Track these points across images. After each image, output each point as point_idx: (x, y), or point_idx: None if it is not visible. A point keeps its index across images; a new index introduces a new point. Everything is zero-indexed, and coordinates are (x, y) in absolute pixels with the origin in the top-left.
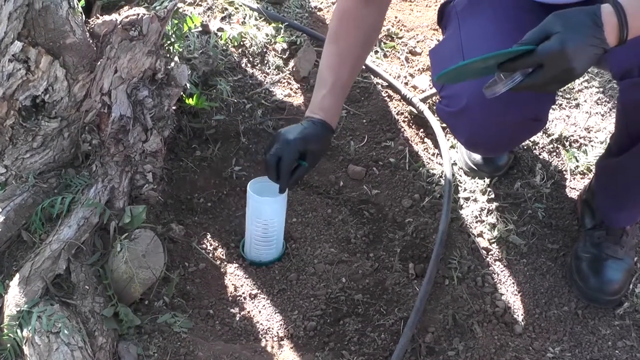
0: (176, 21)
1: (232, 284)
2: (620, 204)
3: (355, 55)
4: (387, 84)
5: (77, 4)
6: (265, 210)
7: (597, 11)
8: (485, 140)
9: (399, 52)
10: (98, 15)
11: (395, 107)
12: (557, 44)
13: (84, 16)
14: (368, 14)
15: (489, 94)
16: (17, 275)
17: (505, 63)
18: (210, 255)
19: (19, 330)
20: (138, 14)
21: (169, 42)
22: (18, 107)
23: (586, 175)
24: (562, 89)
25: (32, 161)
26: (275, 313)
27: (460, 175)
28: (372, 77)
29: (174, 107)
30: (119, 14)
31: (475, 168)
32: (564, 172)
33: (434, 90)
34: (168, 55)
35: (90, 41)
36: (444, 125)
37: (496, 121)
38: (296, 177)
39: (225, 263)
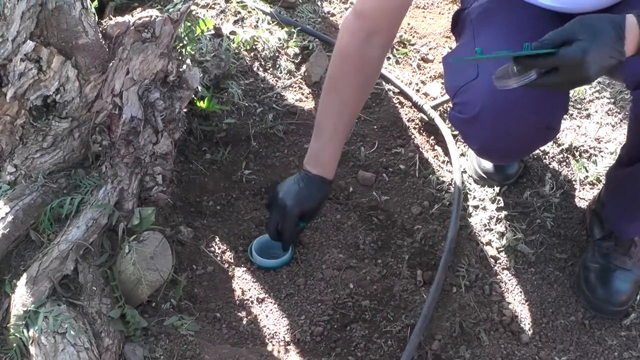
0: (189, 24)
1: (240, 288)
2: (631, 215)
3: (355, 100)
4: (398, 90)
5: (90, 5)
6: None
7: (621, 23)
8: (498, 147)
9: (411, 59)
10: (111, 16)
11: (406, 114)
12: (579, 53)
13: (96, 17)
14: (370, 50)
15: (500, 85)
16: (25, 275)
17: (522, 58)
18: (219, 258)
19: (25, 330)
20: (151, 16)
21: (181, 44)
22: (29, 107)
23: (596, 186)
24: (572, 99)
25: (42, 161)
26: (282, 317)
27: (470, 183)
28: (384, 83)
29: (184, 110)
30: (132, 16)
31: (485, 176)
32: (574, 182)
33: (445, 97)
34: (180, 57)
35: (103, 42)
36: (455, 132)
37: (509, 129)
38: (296, 236)
39: (233, 266)
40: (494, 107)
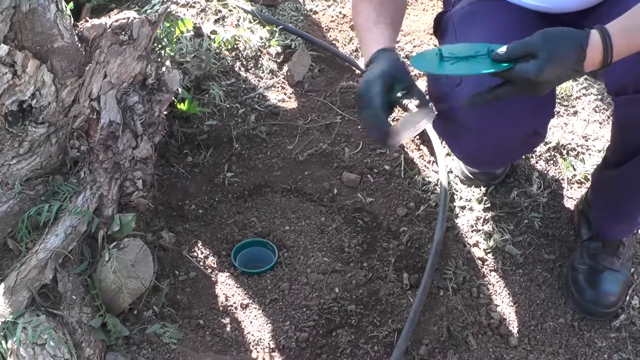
0: (168, 24)
1: (223, 294)
2: (616, 217)
3: (396, 10)
4: None
5: (66, 7)
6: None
7: (584, 43)
8: (484, 156)
9: None
10: (87, 18)
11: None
12: (534, 72)
13: (72, 19)
14: None
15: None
16: (2, 285)
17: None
18: (201, 263)
19: (3, 342)
20: (128, 18)
21: (160, 46)
22: (4, 112)
23: (583, 184)
24: (559, 97)
25: (19, 167)
26: (267, 324)
27: (456, 184)
28: None
29: (165, 112)
30: (109, 18)
31: (472, 176)
32: (561, 181)
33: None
34: (159, 59)
35: (79, 45)
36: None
37: (494, 137)
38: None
39: (217, 272)
40: (479, 115)
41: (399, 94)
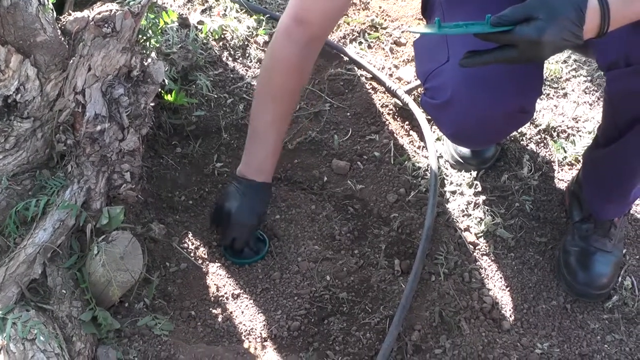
0: (152, 16)
1: (214, 284)
2: (608, 196)
3: (295, 105)
4: (371, 75)
5: (48, 1)
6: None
7: (582, 7)
8: (471, 133)
9: (383, 43)
10: (70, 11)
11: (379, 100)
12: (535, 33)
13: (55, 13)
14: (310, 55)
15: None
16: None
17: (481, 33)
18: (192, 254)
19: None
20: (111, 10)
21: (144, 38)
22: None
23: (574, 166)
24: (549, 79)
25: (5, 163)
26: (259, 313)
27: (447, 169)
28: (356, 69)
29: (152, 104)
30: (91, 10)
31: (462, 161)
32: (552, 164)
33: (419, 81)
34: (144, 51)
35: (62, 39)
36: (430, 117)
37: (482, 113)
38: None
39: (207, 262)
40: (466, 91)
41: None
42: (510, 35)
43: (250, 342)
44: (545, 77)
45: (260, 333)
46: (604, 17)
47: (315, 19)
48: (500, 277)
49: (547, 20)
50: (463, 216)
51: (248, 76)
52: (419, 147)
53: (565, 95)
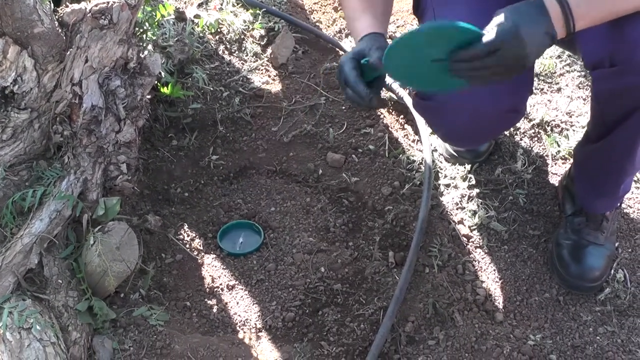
0: (149, 8)
1: (210, 275)
2: (599, 190)
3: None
4: None
5: None
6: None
7: (539, 3)
8: (463, 133)
9: None
10: (67, 3)
11: None
12: (510, 24)
13: (52, 4)
14: None
15: None
16: None
17: (458, 51)
18: (187, 246)
19: None
20: (108, 2)
21: (141, 30)
22: None
23: (567, 160)
24: (543, 74)
25: (2, 153)
26: (253, 304)
27: (441, 162)
28: None
29: (149, 97)
30: (89, 2)
31: (456, 154)
32: (546, 158)
33: None
34: (141, 44)
35: (59, 30)
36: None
37: (473, 115)
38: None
39: (203, 254)
40: (457, 93)
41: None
42: (494, 39)
43: (245, 332)
44: (539, 72)
45: (255, 324)
46: (564, 8)
47: None
48: (494, 270)
49: (515, 16)
50: (457, 209)
51: (244, 70)
52: (413, 141)
53: (559, 90)
